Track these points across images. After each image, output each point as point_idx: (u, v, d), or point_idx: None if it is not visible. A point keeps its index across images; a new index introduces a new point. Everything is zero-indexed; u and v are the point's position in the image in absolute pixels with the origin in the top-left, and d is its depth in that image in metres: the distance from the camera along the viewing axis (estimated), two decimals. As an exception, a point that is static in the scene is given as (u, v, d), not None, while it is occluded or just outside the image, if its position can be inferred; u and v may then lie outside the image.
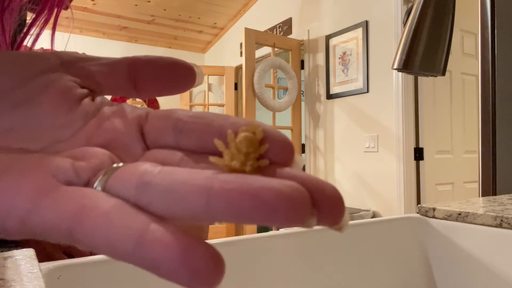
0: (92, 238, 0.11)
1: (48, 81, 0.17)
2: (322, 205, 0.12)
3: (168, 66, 0.18)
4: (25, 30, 0.33)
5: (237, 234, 3.88)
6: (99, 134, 0.16)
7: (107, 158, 0.15)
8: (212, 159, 0.14)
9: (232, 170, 0.13)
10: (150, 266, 0.11)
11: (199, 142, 0.15)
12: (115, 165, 0.14)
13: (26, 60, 0.17)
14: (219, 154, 0.14)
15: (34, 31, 0.34)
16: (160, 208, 0.12)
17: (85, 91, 0.18)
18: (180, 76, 0.18)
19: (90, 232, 0.11)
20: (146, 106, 4.25)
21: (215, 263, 0.11)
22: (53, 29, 0.38)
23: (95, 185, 0.13)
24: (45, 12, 0.32)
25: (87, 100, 0.17)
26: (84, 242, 0.12)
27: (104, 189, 0.13)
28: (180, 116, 0.16)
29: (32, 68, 0.17)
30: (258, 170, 0.13)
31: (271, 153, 0.14)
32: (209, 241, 0.46)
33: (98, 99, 0.18)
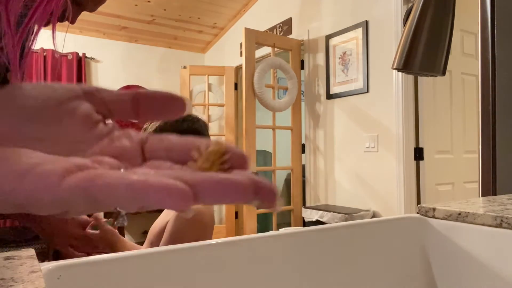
0: (107, 191, 0.17)
1: (74, 107, 0.22)
2: (262, 193, 0.18)
3: (163, 99, 0.23)
4: (25, 21, 0.33)
5: (237, 234, 3.88)
6: (111, 149, 0.22)
7: (115, 165, 0.20)
8: (190, 163, 0.20)
9: (203, 170, 0.19)
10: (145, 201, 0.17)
11: (182, 156, 0.22)
12: (121, 170, 0.19)
13: (59, 90, 0.23)
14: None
15: (33, 24, 0.34)
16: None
17: (100, 117, 0.23)
18: (173, 107, 0.23)
19: (106, 186, 0.17)
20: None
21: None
22: (53, 25, 0.38)
23: None
24: (43, 6, 0.32)
25: (102, 124, 0.23)
26: (102, 199, 0.17)
27: None
28: (170, 139, 0.23)
29: (63, 96, 0.22)
30: (221, 170, 0.20)
31: (232, 161, 0.20)
32: (210, 241, 0.46)
33: (111, 124, 0.24)
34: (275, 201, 0.19)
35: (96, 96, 0.23)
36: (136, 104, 0.23)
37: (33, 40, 0.34)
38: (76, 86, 0.23)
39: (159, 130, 1.08)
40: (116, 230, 1.03)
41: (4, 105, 0.21)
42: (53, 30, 0.41)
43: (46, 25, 0.45)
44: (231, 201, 0.18)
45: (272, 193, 0.18)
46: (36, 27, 0.35)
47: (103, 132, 0.23)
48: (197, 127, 1.12)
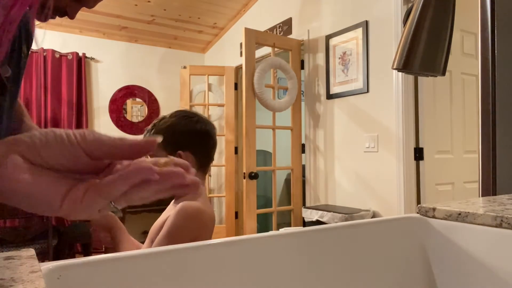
0: (110, 186, 0.31)
1: (79, 154, 0.32)
2: (191, 183, 0.34)
3: (134, 148, 0.32)
4: (4, 13, 0.33)
5: (237, 234, 3.88)
6: (113, 172, 0.34)
7: None
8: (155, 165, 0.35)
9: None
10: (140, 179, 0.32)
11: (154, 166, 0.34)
12: None
13: (68, 143, 0.31)
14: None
15: (11, 17, 0.34)
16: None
17: (98, 159, 0.33)
18: (142, 152, 0.33)
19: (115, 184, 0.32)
20: (146, 106, 4.26)
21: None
22: (32, 18, 0.39)
23: None
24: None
25: (105, 163, 0.35)
26: (109, 194, 0.31)
27: None
28: (145, 162, 0.34)
29: (71, 145, 0.31)
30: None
31: (178, 166, 0.35)
32: (210, 241, 0.46)
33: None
34: (198, 190, 0.35)
35: (87, 144, 0.32)
36: (113, 154, 0.33)
37: (10, 31, 0.35)
38: (80, 140, 0.31)
39: (171, 128, 1.16)
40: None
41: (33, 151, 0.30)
42: (32, 23, 0.43)
43: (43, 20, 0.46)
44: (174, 183, 0.33)
45: (196, 184, 0.34)
46: (14, 20, 0.35)
47: (107, 163, 0.34)
48: (208, 129, 1.22)
